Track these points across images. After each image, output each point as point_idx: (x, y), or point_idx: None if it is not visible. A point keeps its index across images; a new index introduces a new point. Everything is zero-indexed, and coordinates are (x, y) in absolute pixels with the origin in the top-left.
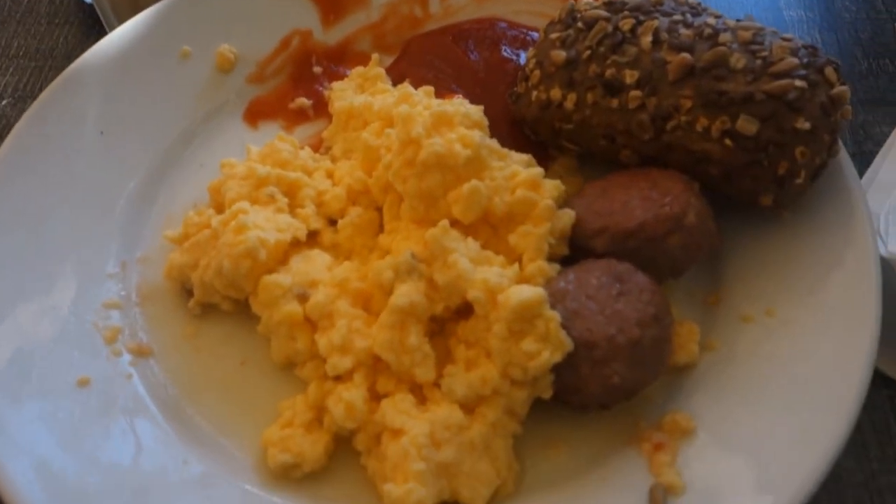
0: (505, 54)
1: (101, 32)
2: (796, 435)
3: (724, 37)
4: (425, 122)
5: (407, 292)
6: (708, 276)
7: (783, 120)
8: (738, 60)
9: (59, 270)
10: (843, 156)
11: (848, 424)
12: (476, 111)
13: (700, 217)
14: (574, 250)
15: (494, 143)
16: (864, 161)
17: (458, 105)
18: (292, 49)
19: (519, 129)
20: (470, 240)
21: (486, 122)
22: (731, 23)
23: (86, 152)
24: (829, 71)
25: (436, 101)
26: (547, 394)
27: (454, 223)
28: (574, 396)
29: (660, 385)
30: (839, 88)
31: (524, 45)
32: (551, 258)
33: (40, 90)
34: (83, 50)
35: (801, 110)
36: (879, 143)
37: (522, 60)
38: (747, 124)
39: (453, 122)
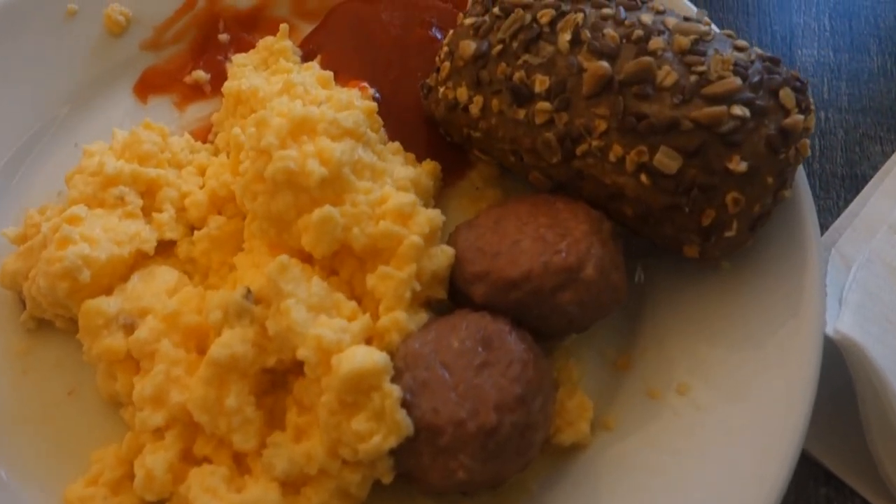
0: (434, 33)
1: None
2: None
3: (656, 42)
4: (280, 129)
5: (229, 342)
6: (622, 332)
7: (713, 157)
8: (667, 75)
9: None
10: (802, 193)
11: None
12: (347, 118)
13: (601, 270)
14: (454, 295)
15: (371, 158)
16: (852, 187)
17: (349, 107)
18: (197, 11)
19: (434, 126)
20: (315, 280)
21: (363, 129)
22: (672, 22)
23: None
24: (784, 94)
25: (327, 92)
26: (387, 479)
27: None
28: (417, 485)
29: (539, 466)
30: (794, 117)
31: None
32: (426, 303)
33: None
34: None
35: (738, 146)
36: (876, 167)
37: None
38: (667, 159)
39: (316, 130)
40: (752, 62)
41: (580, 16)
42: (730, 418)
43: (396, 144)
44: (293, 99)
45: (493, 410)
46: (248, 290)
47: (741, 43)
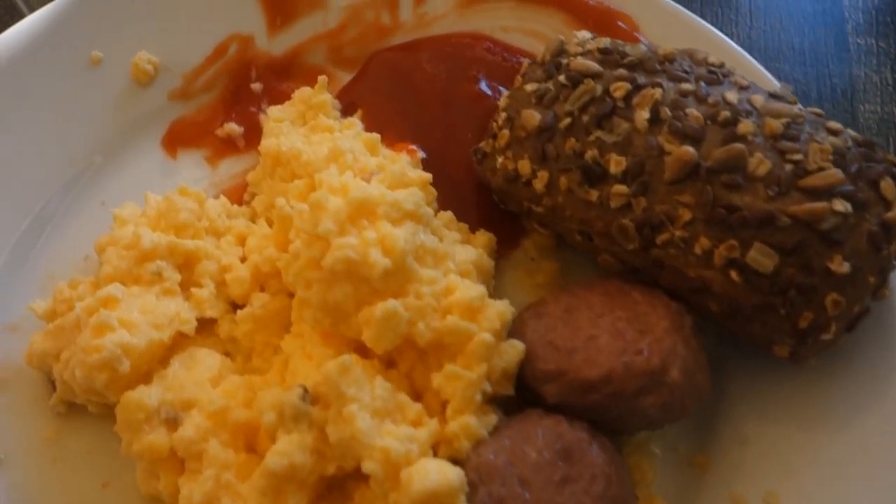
0: (482, 88)
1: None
2: None
3: (746, 125)
4: (338, 213)
5: (287, 450)
6: (699, 428)
7: (813, 256)
8: (760, 164)
9: None
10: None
11: None
12: (408, 198)
13: (686, 372)
14: (520, 391)
15: (432, 241)
16: None
17: (403, 179)
18: (228, 58)
19: (487, 190)
20: (379, 381)
21: (424, 210)
22: (759, 101)
23: None
24: (885, 185)
25: (377, 160)
26: None
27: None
28: None
29: None
30: None
31: (509, 78)
32: (492, 400)
33: None
34: None
35: (840, 245)
36: None
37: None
38: (762, 257)
39: (376, 213)
40: (849, 148)
41: (658, 91)
42: None
43: (450, 215)
44: (342, 169)
45: None
46: (305, 390)
47: (834, 125)
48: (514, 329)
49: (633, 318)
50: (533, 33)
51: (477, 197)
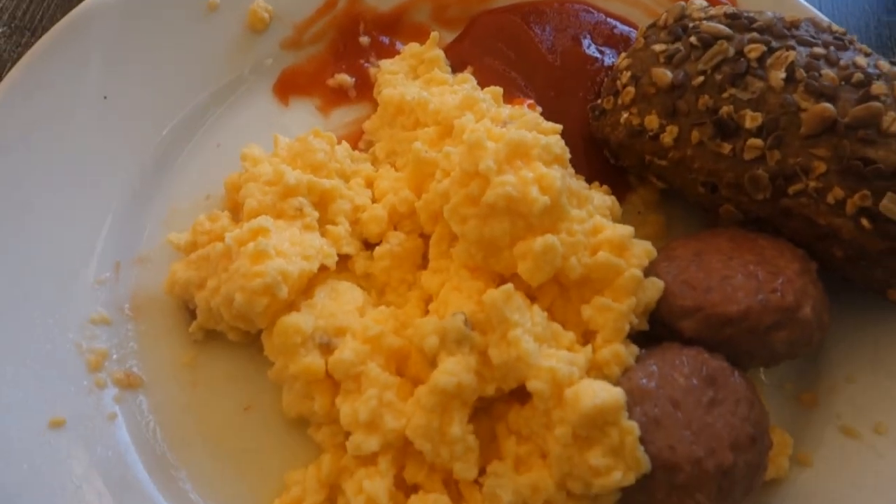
0: (588, 51)
1: None
2: None
3: (878, 86)
4: (497, 153)
5: (454, 370)
6: (804, 367)
7: None
8: (894, 122)
9: (40, 271)
10: None
11: None
12: (557, 142)
13: (816, 310)
14: (654, 325)
15: (577, 184)
16: None
17: (537, 129)
18: (337, 11)
19: (595, 147)
20: (536, 309)
21: (567, 154)
22: (885, 66)
23: (83, 122)
24: None
25: (505, 109)
26: None
27: (514, 279)
28: None
29: None
30: None
31: (611, 42)
32: (629, 336)
33: (40, 21)
34: None
35: None
36: None
37: (608, 62)
38: (894, 206)
39: (530, 155)
40: None
41: (793, 53)
42: None
43: (571, 169)
44: (478, 116)
45: (730, 449)
46: (465, 318)
47: None
48: (646, 271)
49: (763, 261)
50: (637, 3)
51: (587, 153)
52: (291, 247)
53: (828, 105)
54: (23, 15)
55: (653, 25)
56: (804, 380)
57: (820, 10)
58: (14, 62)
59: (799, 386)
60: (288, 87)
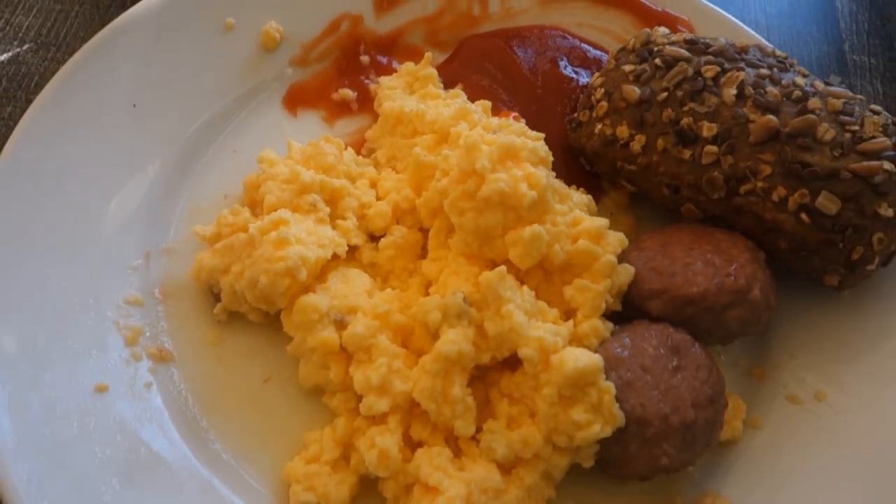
0: (565, 72)
1: None
2: None
3: (814, 102)
4: (491, 154)
5: (455, 339)
6: (754, 346)
7: (866, 203)
8: (827, 132)
9: (80, 257)
10: None
11: None
12: (542, 147)
13: (764, 292)
14: (626, 307)
15: (558, 184)
16: None
17: (523, 136)
18: (340, 33)
19: (573, 156)
20: (525, 289)
21: (550, 157)
22: (820, 86)
23: (114, 126)
24: None
25: (494, 120)
26: (588, 463)
27: (506, 264)
28: (616, 469)
29: (699, 460)
30: None
31: (585, 64)
32: (604, 315)
33: (64, 38)
34: None
35: (886, 195)
36: None
37: (582, 81)
38: (828, 202)
39: (519, 157)
40: (889, 124)
41: (742, 73)
42: (864, 418)
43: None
44: (471, 125)
45: (692, 407)
46: (464, 296)
47: (876, 107)
48: (619, 259)
49: (719, 251)
50: (606, 31)
51: (566, 160)
52: (308, 236)
53: (772, 117)
54: (48, 32)
55: (623, 49)
56: (755, 356)
57: (769, 40)
58: (41, 75)
59: (750, 361)
60: (296, 100)
